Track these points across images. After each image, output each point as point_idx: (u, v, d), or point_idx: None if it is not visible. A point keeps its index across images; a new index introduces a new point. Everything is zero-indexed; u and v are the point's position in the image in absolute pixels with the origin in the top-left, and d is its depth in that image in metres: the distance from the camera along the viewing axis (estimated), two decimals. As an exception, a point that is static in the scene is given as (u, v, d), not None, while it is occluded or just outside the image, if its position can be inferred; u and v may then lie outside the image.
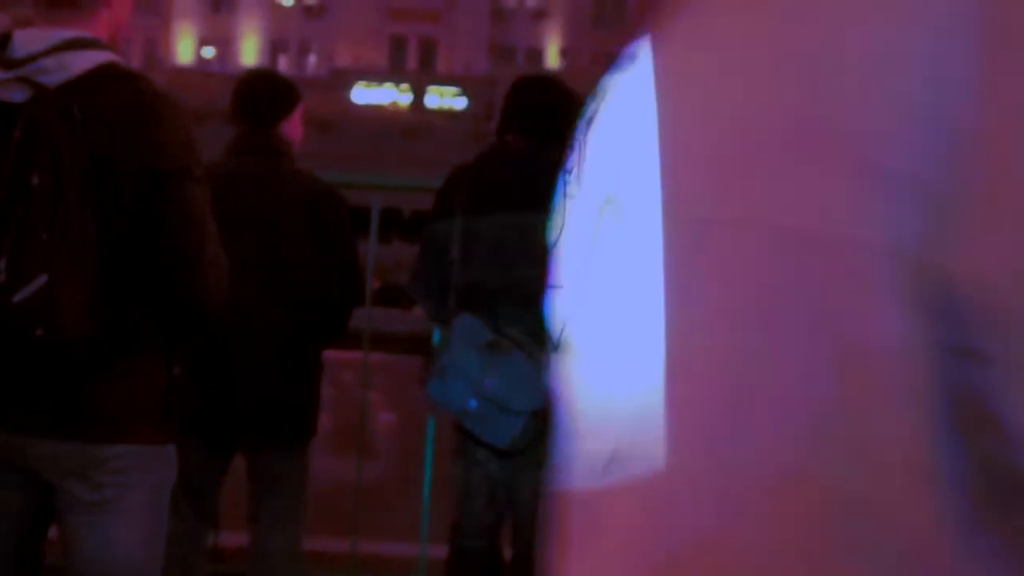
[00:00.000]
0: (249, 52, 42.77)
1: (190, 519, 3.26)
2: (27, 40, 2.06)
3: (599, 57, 41.44)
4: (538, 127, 3.28)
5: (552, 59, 41.61)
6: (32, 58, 2.03)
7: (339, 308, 3.41)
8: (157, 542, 2.16)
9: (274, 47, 42.76)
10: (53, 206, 1.94)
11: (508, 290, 3.19)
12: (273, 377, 3.31)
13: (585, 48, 41.68)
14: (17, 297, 1.93)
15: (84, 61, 2.05)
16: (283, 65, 41.97)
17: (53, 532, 2.21)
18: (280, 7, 42.89)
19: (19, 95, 2.00)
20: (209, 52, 42.80)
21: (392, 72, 32.81)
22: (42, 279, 1.92)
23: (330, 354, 3.44)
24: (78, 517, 2.09)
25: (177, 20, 41.68)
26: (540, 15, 42.41)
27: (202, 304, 2.09)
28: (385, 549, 4.49)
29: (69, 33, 2.07)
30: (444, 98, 25.36)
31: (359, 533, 4.13)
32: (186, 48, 42.51)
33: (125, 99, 2.04)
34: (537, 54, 41.86)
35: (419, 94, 25.83)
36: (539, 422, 3.17)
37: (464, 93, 23.75)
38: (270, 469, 3.43)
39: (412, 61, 41.55)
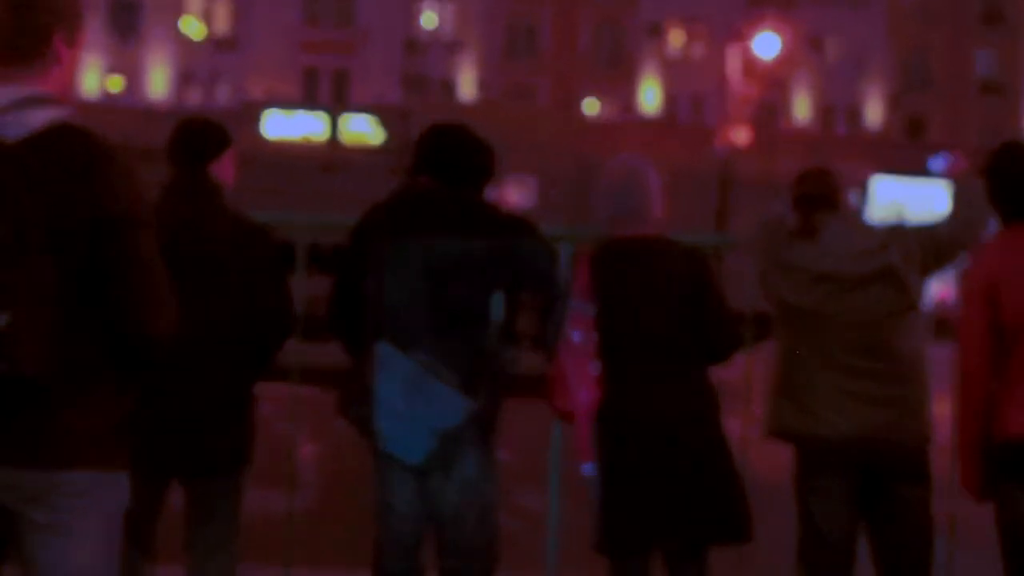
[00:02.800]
0: (158, 84, 42.29)
1: (125, 548, 3.35)
2: None
3: (511, 88, 41.82)
4: (449, 171, 3.53)
5: (466, 90, 41.88)
6: None
7: (270, 341, 3.56)
8: (111, 566, 2.29)
9: (183, 80, 42.31)
10: (15, 252, 2.09)
11: (421, 320, 3.39)
12: (209, 407, 3.45)
13: (498, 80, 42.04)
14: None
15: (41, 117, 2.20)
16: (194, 98, 41.54)
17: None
18: (189, 40, 42.47)
19: None
20: (116, 85, 42.21)
21: (305, 104, 32.78)
22: (4, 318, 2.07)
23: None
24: (35, 540, 2.20)
25: (83, 52, 41.04)
26: (454, 47, 42.66)
27: (151, 339, 2.24)
28: (316, 575, 4.61)
29: (26, 91, 2.22)
30: (360, 132, 25.48)
31: (291, 561, 4.25)
32: (92, 81, 41.87)
33: (79, 153, 2.19)
34: (450, 85, 42.07)
35: (333, 126, 25.90)
36: (452, 439, 3.37)
37: (380, 125, 23.88)
38: (206, 498, 3.55)
39: (325, 93, 41.46)
